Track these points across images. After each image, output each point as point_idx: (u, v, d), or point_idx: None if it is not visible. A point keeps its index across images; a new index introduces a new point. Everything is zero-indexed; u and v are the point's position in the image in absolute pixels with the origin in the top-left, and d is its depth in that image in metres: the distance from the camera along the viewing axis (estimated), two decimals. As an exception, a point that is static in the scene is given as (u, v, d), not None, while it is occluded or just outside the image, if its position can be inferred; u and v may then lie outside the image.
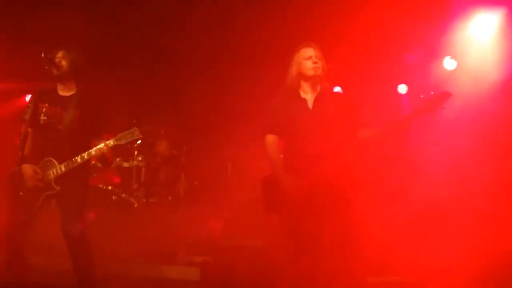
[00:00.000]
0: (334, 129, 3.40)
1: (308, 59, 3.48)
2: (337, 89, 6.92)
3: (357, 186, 3.56)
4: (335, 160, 3.32)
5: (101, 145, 3.63)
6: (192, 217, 6.08)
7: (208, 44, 6.66)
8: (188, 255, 5.19)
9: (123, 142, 3.63)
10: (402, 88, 7.11)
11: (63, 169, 3.65)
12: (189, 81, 7.57)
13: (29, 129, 3.65)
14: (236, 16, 6.12)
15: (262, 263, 5.28)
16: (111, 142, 3.63)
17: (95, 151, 3.64)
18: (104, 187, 5.53)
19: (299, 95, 3.52)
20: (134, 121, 6.98)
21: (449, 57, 6.49)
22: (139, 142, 5.93)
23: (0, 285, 2.81)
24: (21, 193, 3.53)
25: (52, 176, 3.66)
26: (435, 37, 6.13)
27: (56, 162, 3.68)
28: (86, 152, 3.66)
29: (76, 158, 3.65)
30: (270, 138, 3.55)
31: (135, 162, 5.90)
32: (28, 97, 6.83)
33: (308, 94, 3.53)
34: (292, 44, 3.69)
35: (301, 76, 3.51)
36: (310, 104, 3.51)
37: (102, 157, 3.70)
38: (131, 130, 3.65)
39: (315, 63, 3.45)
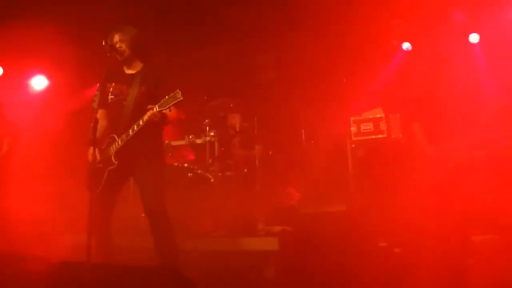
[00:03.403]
0: (461, 111, 4.26)
1: None
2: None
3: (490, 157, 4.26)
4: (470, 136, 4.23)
5: (145, 116, 3.60)
6: (269, 187, 6.09)
7: (276, 11, 6.50)
8: (267, 225, 5.19)
9: (164, 107, 3.54)
10: (474, 37, 6.57)
11: (120, 143, 3.73)
12: (255, 52, 7.49)
13: (98, 116, 3.75)
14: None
15: (341, 228, 5.19)
16: (154, 109, 3.57)
17: (142, 120, 3.63)
18: (180, 165, 5.59)
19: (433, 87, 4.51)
20: (205, 97, 7.16)
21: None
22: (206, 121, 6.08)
23: (86, 267, 2.95)
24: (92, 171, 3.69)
25: (112, 151, 3.75)
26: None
27: (116, 137, 3.77)
28: (136, 123, 3.66)
29: (129, 130, 3.69)
30: (416, 125, 4.66)
31: (207, 137, 5.92)
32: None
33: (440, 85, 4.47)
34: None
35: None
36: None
37: (155, 122, 3.64)
38: (172, 94, 3.52)
39: None
